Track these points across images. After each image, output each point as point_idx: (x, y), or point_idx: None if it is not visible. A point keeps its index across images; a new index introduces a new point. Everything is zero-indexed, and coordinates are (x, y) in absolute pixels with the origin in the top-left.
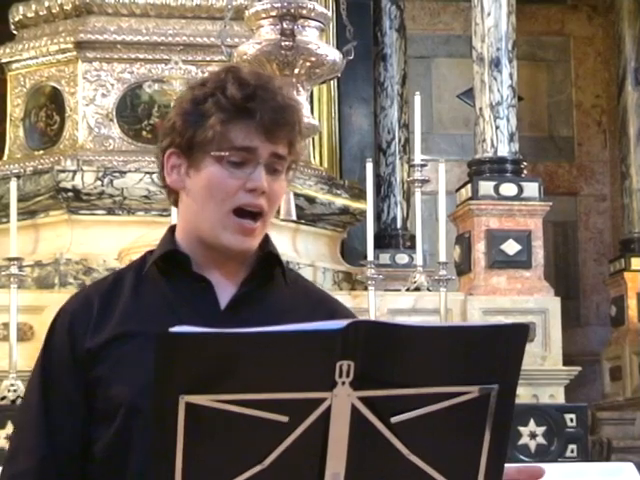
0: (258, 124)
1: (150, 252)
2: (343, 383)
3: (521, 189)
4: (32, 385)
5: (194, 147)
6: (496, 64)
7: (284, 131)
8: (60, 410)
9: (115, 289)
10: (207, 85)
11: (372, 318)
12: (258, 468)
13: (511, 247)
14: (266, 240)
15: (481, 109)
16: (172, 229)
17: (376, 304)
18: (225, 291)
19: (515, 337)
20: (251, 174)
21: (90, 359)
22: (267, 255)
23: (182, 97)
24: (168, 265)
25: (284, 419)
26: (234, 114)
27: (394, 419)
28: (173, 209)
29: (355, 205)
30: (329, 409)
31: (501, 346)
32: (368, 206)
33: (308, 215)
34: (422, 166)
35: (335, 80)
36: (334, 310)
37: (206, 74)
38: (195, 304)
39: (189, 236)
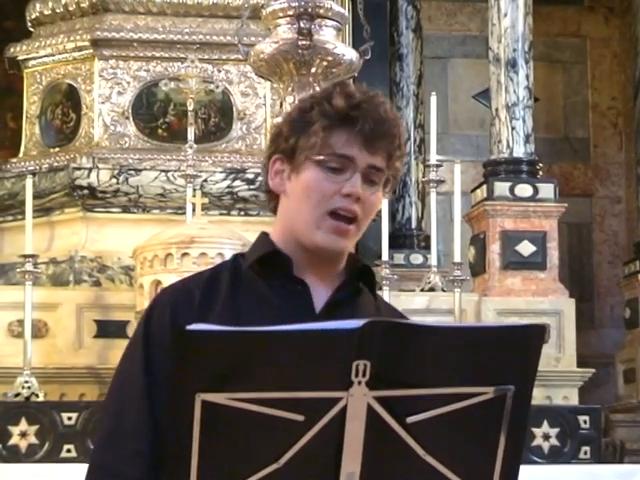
0: (358, 133)
1: (238, 255)
2: (359, 383)
3: (536, 190)
4: (131, 371)
5: (297, 152)
6: (512, 65)
7: (383, 143)
8: (164, 397)
9: (213, 285)
10: (315, 96)
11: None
12: (274, 467)
13: (526, 248)
14: (355, 256)
15: (497, 110)
16: (266, 234)
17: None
18: (319, 295)
19: (532, 338)
20: (348, 180)
21: None
22: (363, 268)
23: (291, 108)
24: (265, 267)
25: (300, 418)
26: (337, 122)
27: (410, 419)
28: (188, 207)
29: None
30: (345, 409)
31: (518, 347)
32: (383, 206)
33: None
34: (437, 166)
35: (351, 80)
36: None
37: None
38: (292, 306)
39: (287, 238)
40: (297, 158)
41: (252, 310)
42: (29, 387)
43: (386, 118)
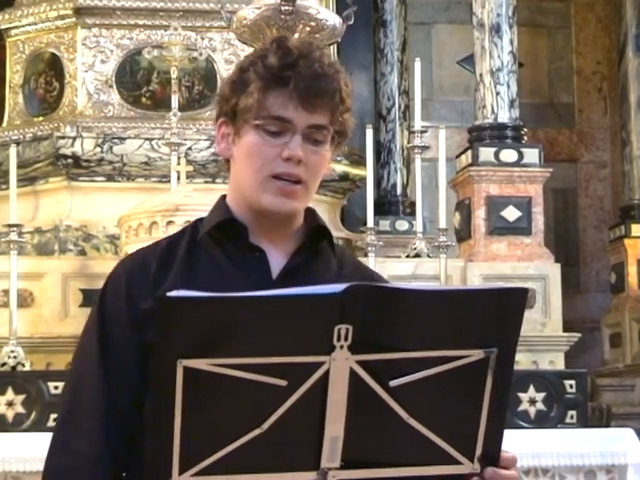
0: (292, 92)
1: (200, 220)
2: (341, 347)
3: (521, 155)
4: (87, 345)
5: (237, 115)
6: (496, 30)
7: (321, 100)
8: (119, 370)
9: (170, 254)
10: (253, 54)
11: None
12: (257, 432)
13: (511, 213)
14: (313, 214)
15: (481, 75)
16: (224, 197)
17: (376, 271)
18: (276, 261)
19: (514, 301)
20: (287, 143)
21: (146, 319)
22: (317, 228)
23: (234, 68)
24: (222, 233)
25: (282, 383)
26: (271, 82)
27: (393, 383)
28: (173, 176)
29: (355, 172)
30: (327, 373)
31: (500, 309)
32: (368, 173)
33: None
34: (422, 132)
35: (335, 46)
36: None
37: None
38: (248, 273)
39: (239, 204)
40: (238, 121)
41: (207, 278)
42: (15, 357)
43: (322, 73)
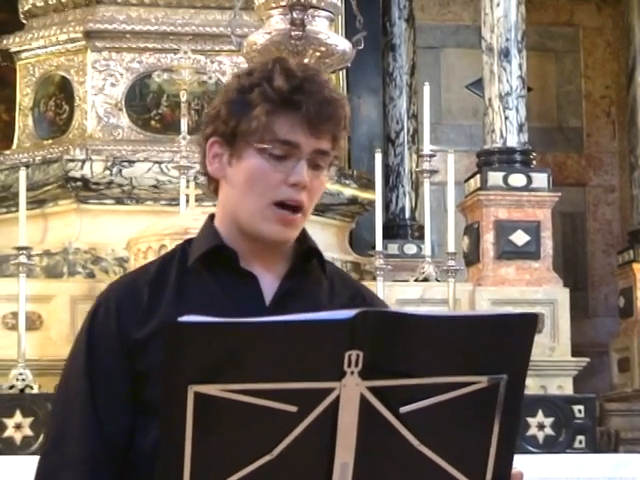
0: (303, 117)
1: (189, 241)
2: (352, 373)
3: (530, 180)
4: (75, 372)
5: (237, 136)
6: (505, 54)
7: (329, 125)
8: (108, 399)
9: (160, 279)
10: (254, 74)
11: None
12: (267, 458)
13: (520, 238)
14: (304, 234)
15: (490, 99)
16: (212, 217)
17: (384, 294)
18: (268, 284)
19: (524, 327)
20: (293, 168)
21: (138, 349)
22: (308, 250)
23: (228, 85)
24: (211, 259)
25: (293, 409)
26: (280, 105)
27: (403, 409)
28: (182, 199)
29: (364, 195)
30: (338, 399)
31: (510, 336)
32: (377, 196)
33: (317, 205)
34: (431, 156)
35: (344, 70)
36: (371, 300)
37: (252, 64)
38: (240, 300)
39: (230, 226)
40: (238, 143)
41: (199, 305)
42: (23, 379)
43: (331, 99)
